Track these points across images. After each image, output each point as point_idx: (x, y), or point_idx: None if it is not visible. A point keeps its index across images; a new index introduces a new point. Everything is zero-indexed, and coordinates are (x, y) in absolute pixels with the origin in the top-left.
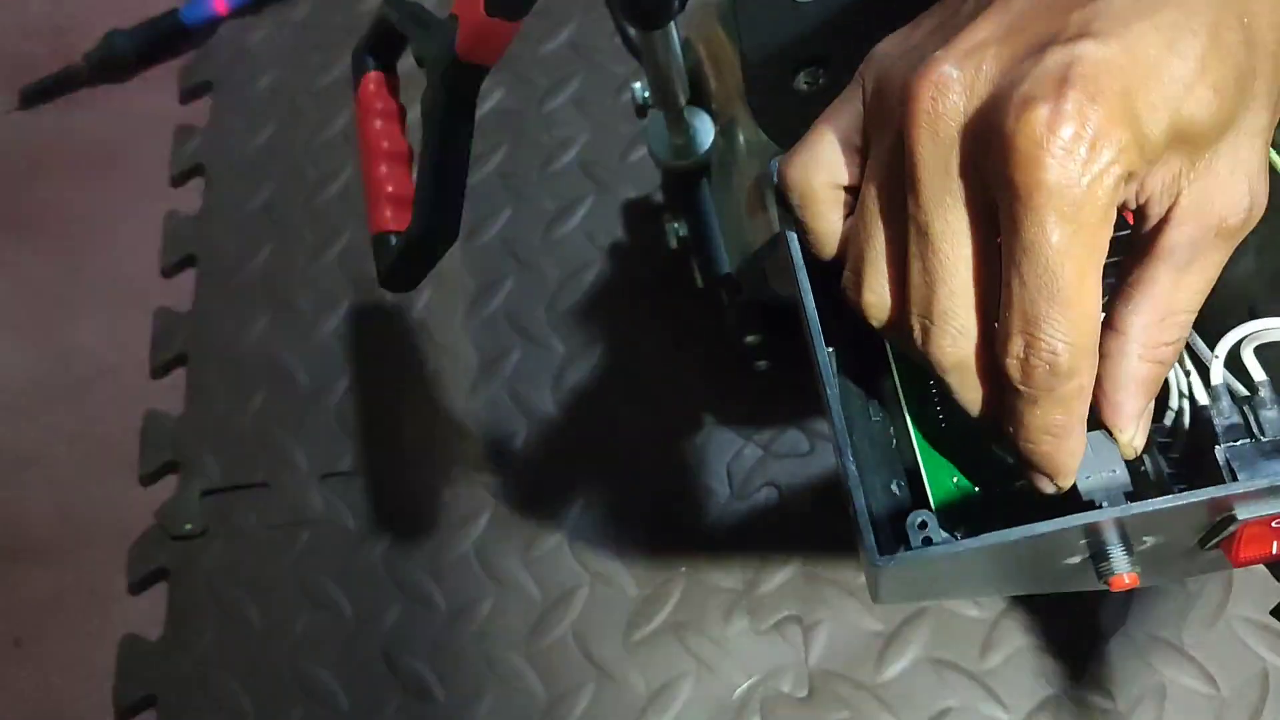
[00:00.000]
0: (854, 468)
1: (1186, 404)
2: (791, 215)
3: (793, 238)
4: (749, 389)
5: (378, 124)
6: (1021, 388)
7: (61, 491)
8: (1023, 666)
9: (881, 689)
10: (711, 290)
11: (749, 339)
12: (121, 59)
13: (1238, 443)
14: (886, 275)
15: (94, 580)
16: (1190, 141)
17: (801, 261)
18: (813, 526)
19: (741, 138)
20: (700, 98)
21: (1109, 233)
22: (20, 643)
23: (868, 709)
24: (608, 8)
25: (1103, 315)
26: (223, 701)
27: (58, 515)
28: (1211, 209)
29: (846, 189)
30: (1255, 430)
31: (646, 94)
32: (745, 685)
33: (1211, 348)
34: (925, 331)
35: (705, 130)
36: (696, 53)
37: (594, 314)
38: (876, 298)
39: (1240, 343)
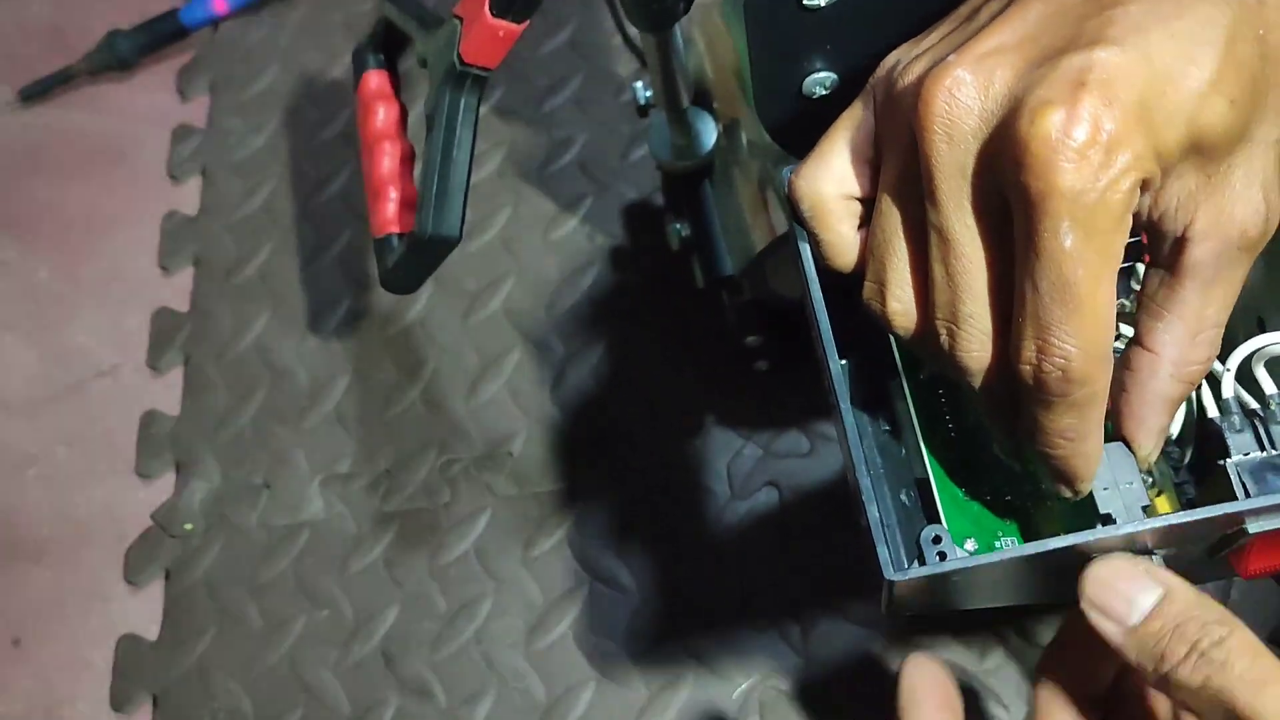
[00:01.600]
0: (867, 482)
1: (1197, 416)
2: (803, 227)
3: (805, 251)
4: (749, 389)
5: (379, 123)
6: (1035, 393)
7: (60, 491)
8: (1023, 666)
9: (882, 689)
10: (712, 291)
11: (750, 339)
12: (121, 59)
13: (1248, 456)
14: (909, 284)
15: (93, 580)
16: (1205, 153)
17: (814, 274)
18: (813, 526)
19: (744, 138)
20: (702, 97)
21: (1124, 239)
22: (19, 642)
23: (868, 709)
24: (608, 8)
25: (1130, 331)
26: (222, 701)
27: (56, 515)
28: (1231, 222)
29: (858, 200)
30: (1265, 443)
31: (648, 94)
32: (745, 685)
33: (1222, 360)
34: (951, 336)
35: (708, 131)
36: (699, 52)
37: (594, 314)
38: (901, 306)
39: (1251, 356)
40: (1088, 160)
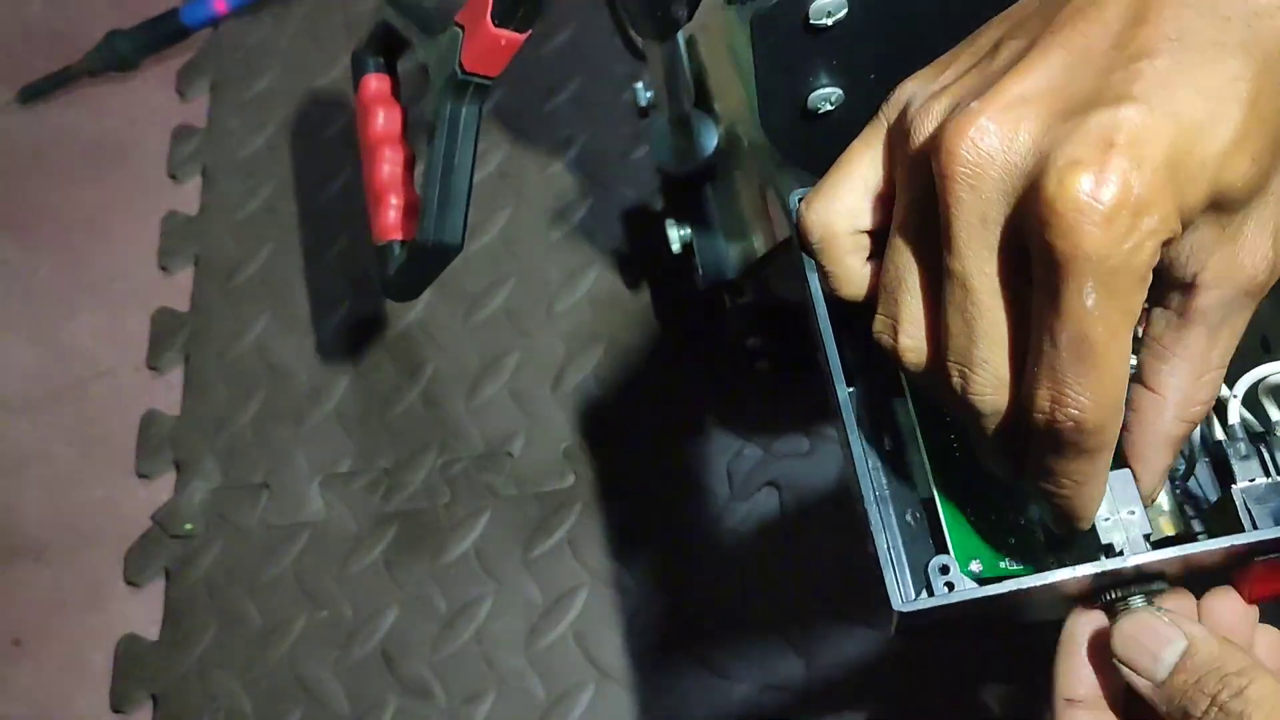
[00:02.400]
0: (875, 511)
1: (1203, 441)
2: (811, 258)
3: (814, 280)
4: (749, 390)
5: (378, 127)
6: (1046, 440)
7: (61, 491)
8: (1023, 668)
9: (882, 689)
10: (712, 291)
11: (750, 341)
12: (121, 59)
13: (1254, 482)
14: (922, 321)
15: (93, 580)
16: (1222, 207)
17: (823, 303)
18: (813, 526)
19: (745, 142)
20: (703, 101)
21: (1143, 296)
22: (19, 642)
23: (868, 708)
24: (609, 10)
25: (1133, 369)
26: (222, 701)
27: (57, 515)
28: (1241, 270)
29: (868, 232)
30: (1271, 469)
31: (649, 95)
32: (745, 685)
33: (1229, 385)
34: (964, 379)
35: (709, 134)
36: (700, 57)
37: (594, 314)
38: (913, 343)
39: (1258, 383)
40: (1114, 224)
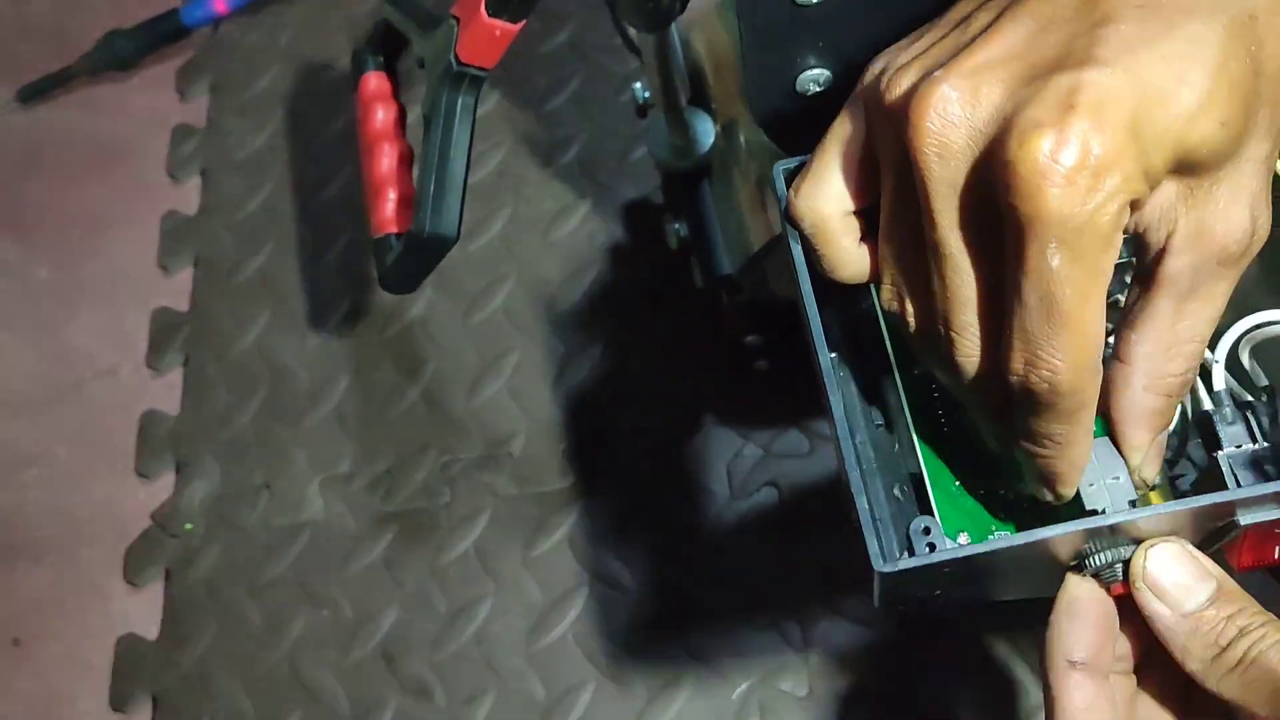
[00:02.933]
0: (857, 474)
1: (1189, 408)
2: (804, 245)
3: (795, 247)
4: (749, 389)
5: (378, 124)
6: (1023, 401)
7: (60, 491)
8: (1023, 665)
9: (882, 689)
10: (711, 290)
11: (749, 339)
12: (121, 59)
13: (1240, 448)
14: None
15: (93, 579)
16: (1191, 171)
17: (805, 270)
18: (813, 526)
19: (742, 138)
20: (700, 97)
21: (1113, 257)
22: (19, 642)
23: (869, 708)
24: (608, 7)
25: (1110, 341)
26: (222, 701)
27: (56, 514)
28: (1212, 237)
29: (857, 212)
30: (1257, 435)
31: (647, 94)
32: (745, 685)
33: (1211, 350)
34: (949, 342)
35: (706, 131)
36: (696, 52)
37: (594, 314)
38: (913, 308)
39: (1239, 342)
40: (1075, 184)
